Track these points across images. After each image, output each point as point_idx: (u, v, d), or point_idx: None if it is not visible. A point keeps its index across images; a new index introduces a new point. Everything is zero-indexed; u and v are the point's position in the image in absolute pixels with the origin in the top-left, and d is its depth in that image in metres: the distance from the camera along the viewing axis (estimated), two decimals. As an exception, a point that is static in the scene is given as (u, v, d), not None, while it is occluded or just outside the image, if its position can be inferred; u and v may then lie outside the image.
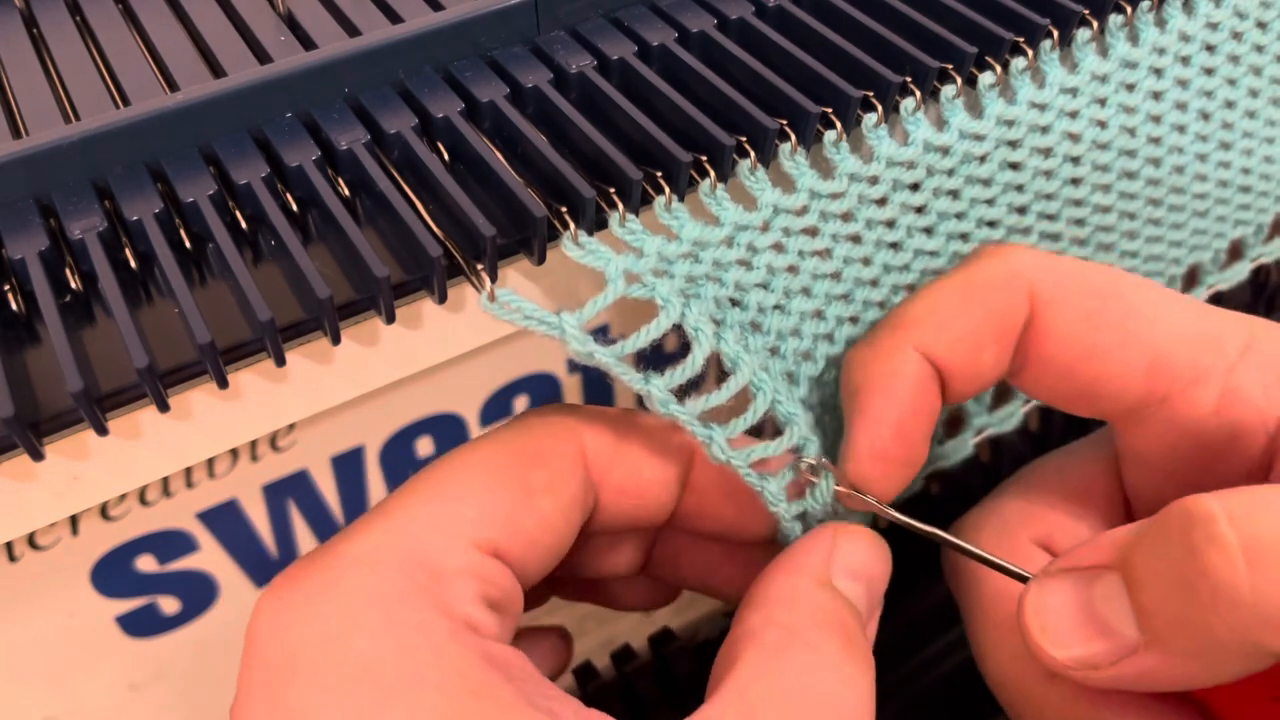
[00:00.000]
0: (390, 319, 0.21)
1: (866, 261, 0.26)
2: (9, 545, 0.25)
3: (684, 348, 0.23)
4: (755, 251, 0.24)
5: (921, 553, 0.28)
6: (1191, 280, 0.36)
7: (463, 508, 0.21)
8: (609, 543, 0.27)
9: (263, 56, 0.25)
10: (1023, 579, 0.23)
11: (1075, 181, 0.28)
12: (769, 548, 0.26)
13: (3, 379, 0.19)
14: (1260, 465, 0.24)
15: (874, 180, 0.25)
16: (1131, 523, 0.22)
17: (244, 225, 0.22)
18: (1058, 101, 0.26)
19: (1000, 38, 0.25)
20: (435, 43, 0.24)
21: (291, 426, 0.27)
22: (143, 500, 0.26)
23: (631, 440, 0.24)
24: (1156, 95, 0.28)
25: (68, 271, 0.21)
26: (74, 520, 0.26)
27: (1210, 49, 0.29)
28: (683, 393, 0.22)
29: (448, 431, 0.30)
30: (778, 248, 0.24)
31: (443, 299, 0.22)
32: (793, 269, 0.25)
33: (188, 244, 0.22)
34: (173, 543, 0.28)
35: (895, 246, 0.26)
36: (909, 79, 0.24)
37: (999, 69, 0.25)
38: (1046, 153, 0.27)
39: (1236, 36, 0.29)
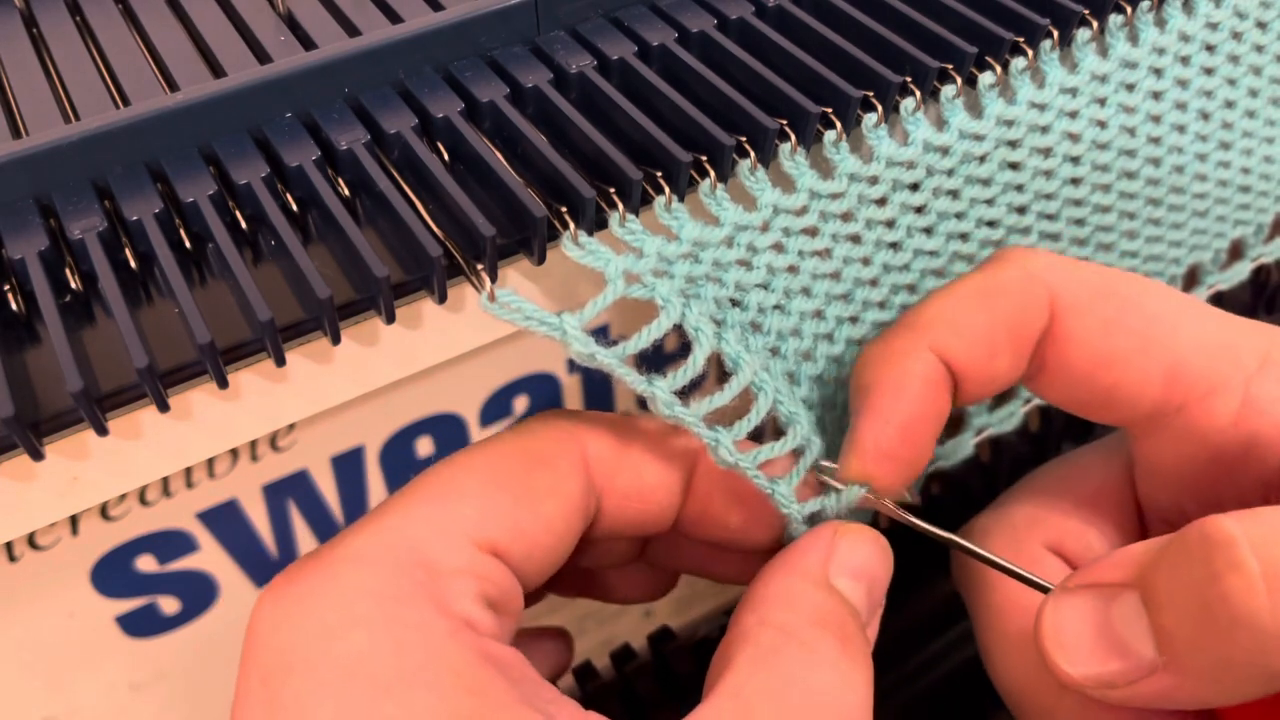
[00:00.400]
0: (390, 319, 0.21)
1: (866, 261, 0.26)
2: (9, 545, 0.25)
3: (684, 348, 0.23)
4: (755, 251, 0.24)
5: (921, 552, 0.28)
6: (1191, 280, 0.36)
7: (463, 507, 0.21)
8: None
9: (263, 56, 0.25)
10: (1043, 589, 0.23)
11: (1075, 181, 0.28)
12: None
13: (3, 379, 0.19)
14: (1278, 477, 0.24)
15: (874, 180, 0.25)
16: (1149, 539, 0.22)
17: (244, 225, 0.22)
18: (1057, 101, 0.26)
19: (1000, 38, 0.25)
20: (435, 43, 0.24)
21: (291, 426, 0.27)
22: (143, 500, 0.26)
23: (634, 445, 0.24)
24: (1156, 95, 0.28)
25: (68, 271, 0.21)
26: (74, 520, 0.26)
27: (1210, 49, 0.29)
28: (682, 394, 0.22)
29: (448, 431, 0.30)
30: (778, 248, 0.24)
31: (443, 299, 0.22)
32: (793, 269, 0.25)
33: (188, 244, 0.22)
34: (173, 543, 0.28)
35: (895, 246, 0.26)
36: (909, 79, 0.24)
37: (999, 69, 0.25)
38: (1046, 153, 0.27)
39: (1236, 36, 0.29)
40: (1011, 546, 0.27)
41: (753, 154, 0.23)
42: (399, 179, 0.23)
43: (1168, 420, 0.24)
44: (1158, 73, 0.28)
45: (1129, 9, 0.27)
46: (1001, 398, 0.33)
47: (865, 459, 0.24)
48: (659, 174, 0.22)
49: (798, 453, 0.24)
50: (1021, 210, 0.28)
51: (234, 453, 0.27)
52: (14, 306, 0.20)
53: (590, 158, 0.23)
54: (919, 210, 0.26)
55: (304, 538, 0.30)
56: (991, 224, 0.28)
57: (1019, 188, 0.27)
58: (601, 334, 0.29)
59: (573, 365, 0.32)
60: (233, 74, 0.23)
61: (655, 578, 0.29)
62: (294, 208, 0.22)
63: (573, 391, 0.32)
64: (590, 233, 0.22)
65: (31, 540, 0.25)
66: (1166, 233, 0.32)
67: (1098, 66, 0.27)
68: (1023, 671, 0.25)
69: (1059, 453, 0.37)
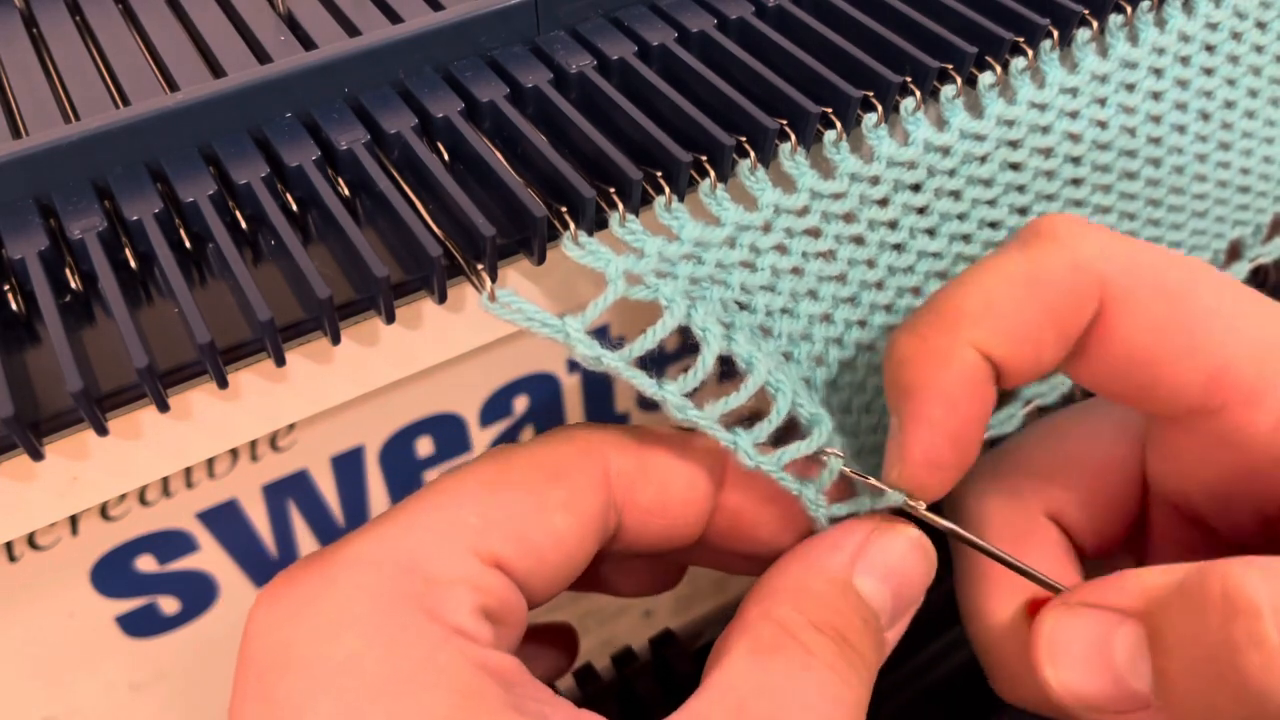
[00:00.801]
0: (390, 319, 0.21)
1: (871, 264, 0.26)
2: (9, 545, 0.25)
3: (683, 349, 0.23)
4: (758, 253, 0.24)
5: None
6: (1191, 280, 0.36)
7: (467, 516, 0.21)
8: None
9: (263, 56, 0.25)
10: (1052, 588, 0.23)
11: (1076, 182, 0.28)
12: None
13: (3, 379, 0.19)
14: None
15: (875, 180, 0.25)
16: (1161, 565, 0.22)
17: (244, 225, 0.22)
18: (1058, 101, 0.26)
19: (1000, 38, 0.25)
20: (435, 43, 0.24)
21: (291, 426, 0.27)
22: (143, 500, 0.26)
23: (659, 459, 0.23)
24: (1156, 95, 0.28)
25: (68, 271, 0.21)
26: (74, 520, 0.26)
27: (1210, 49, 0.29)
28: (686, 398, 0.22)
29: (448, 431, 0.30)
30: (781, 249, 0.24)
31: (443, 299, 0.22)
32: (797, 270, 0.25)
33: (188, 244, 0.22)
34: (173, 543, 0.28)
35: (899, 248, 0.26)
36: (909, 79, 0.24)
37: (999, 69, 0.25)
38: (1047, 153, 0.27)
39: (1236, 37, 0.29)
40: (1012, 509, 0.26)
41: (753, 154, 0.23)
42: (399, 179, 0.23)
43: (1203, 420, 0.23)
44: (1158, 73, 0.28)
45: (1129, 9, 0.27)
46: (1001, 400, 0.33)
47: (916, 468, 0.23)
48: (659, 174, 0.22)
49: (819, 454, 0.23)
50: (1023, 211, 0.28)
51: (234, 453, 0.27)
52: (14, 306, 0.20)
53: (590, 158, 0.23)
54: (921, 211, 0.26)
55: (304, 538, 0.30)
56: (994, 225, 0.28)
57: (1020, 188, 0.27)
58: (601, 334, 0.29)
59: (573, 365, 0.31)
60: (233, 74, 0.23)
61: (661, 572, 0.29)
62: (294, 208, 0.22)
63: (573, 391, 0.32)
64: (590, 233, 0.22)
65: (31, 540, 0.25)
66: (1166, 233, 0.32)
67: (1098, 66, 0.27)
68: (1000, 637, 0.25)
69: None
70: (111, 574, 0.27)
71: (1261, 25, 0.30)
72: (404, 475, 0.30)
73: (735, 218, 0.23)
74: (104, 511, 0.26)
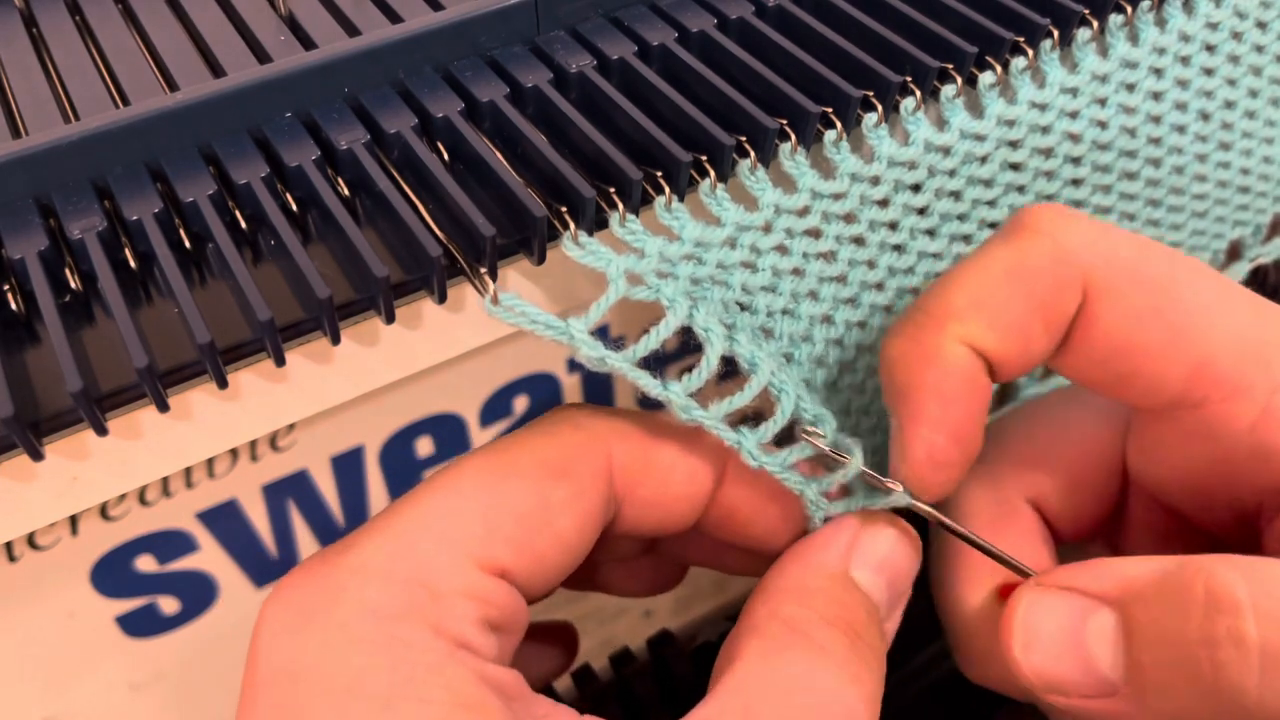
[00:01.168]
0: (390, 319, 0.21)
1: (872, 264, 0.26)
2: (9, 545, 0.25)
3: (683, 349, 0.23)
4: (759, 253, 0.24)
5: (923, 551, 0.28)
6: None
7: (471, 523, 0.21)
8: None
9: (263, 56, 0.25)
10: (1022, 573, 0.23)
11: (1076, 182, 0.28)
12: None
13: (3, 379, 0.19)
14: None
15: (875, 180, 0.25)
16: (1137, 555, 0.22)
17: (244, 225, 0.22)
18: (1058, 101, 0.26)
19: (1000, 38, 0.25)
20: (435, 43, 0.24)
21: (291, 426, 0.27)
22: (142, 500, 0.26)
23: (662, 453, 0.23)
24: (1156, 95, 0.28)
25: (67, 271, 0.21)
26: (74, 520, 0.26)
27: (1210, 49, 0.29)
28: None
29: (448, 431, 0.30)
30: (781, 249, 0.24)
31: (443, 299, 0.22)
32: (798, 271, 0.25)
33: (188, 244, 0.22)
34: (173, 543, 0.28)
35: (899, 249, 0.26)
36: (909, 79, 0.24)
37: (999, 69, 0.25)
38: (1047, 153, 0.27)
39: (1236, 37, 0.29)
40: (994, 493, 0.26)
41: (753, 154, 0.23)
42: (399, 179, 0.23)
43: (1184, 412, 0.23)
44: (1158, 73, 0.28)
45: (1129, 9, 0.27)
46: (1001, 400, 0.33)
47: (920, 468, 0.23)
48: (659, 174, 0.22)
49: (823, 455, 0.24)
50: (1022, 211, 0.28)
51: (234, 453, 0.27)
52: (14, 306, 0.20)
53: (590, 158, 0.23)
54: (921, 211, 0.26)
55: (304, 538, 0.30)
56: (994, 225, 0.28)
57: (1020, 189, 0.27)
58: (601, 334, 0.29)
59: (573, 365, 0.32)
60: (233, 74, 0.23)
61: (662, 571, 0.29)
62: (294, 208, 0.22)
63: (573, 391, 0.32)
64: (590, 233, 0.22)
65: (31, 540, 0.25)
66: (1166, 234, 0.32)
67: (1098, 66, 0.27)
68: (972, 614, 0.25)
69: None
70: (111, 574, 0.27)
71: (1262, 25, 0.30)
72: (404, 475, 0.30)
73: (736, 218, 0.23)
74: (104, 511, 0.26)
